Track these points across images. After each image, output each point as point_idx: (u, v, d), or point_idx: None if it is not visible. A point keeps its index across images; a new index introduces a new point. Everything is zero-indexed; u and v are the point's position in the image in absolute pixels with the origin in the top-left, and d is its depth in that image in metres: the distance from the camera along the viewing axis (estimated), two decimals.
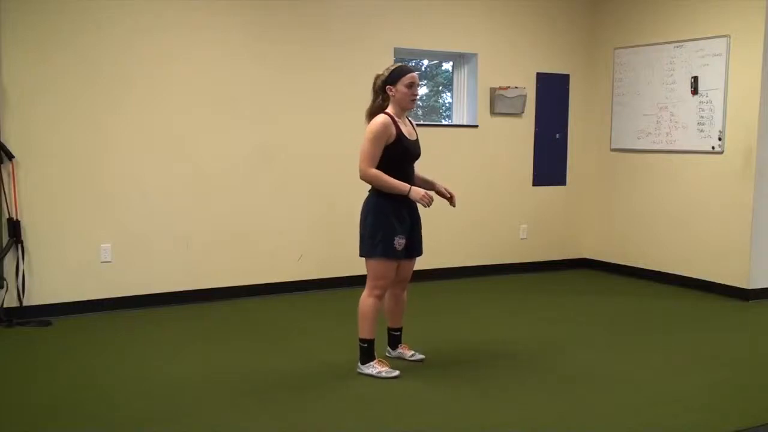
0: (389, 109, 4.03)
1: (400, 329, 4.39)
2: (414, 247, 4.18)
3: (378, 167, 3.98)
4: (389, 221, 3.99)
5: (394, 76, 4.02)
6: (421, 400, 3.79)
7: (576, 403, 3.76)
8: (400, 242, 4.01)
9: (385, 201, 4.01)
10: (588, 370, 4.29)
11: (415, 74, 4.06)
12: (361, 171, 3.96)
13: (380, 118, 3.97)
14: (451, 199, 4.24)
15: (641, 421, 3.55)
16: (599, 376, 4.18)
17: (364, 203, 4.10)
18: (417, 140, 4.17)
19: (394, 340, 4.40)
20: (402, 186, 3.97)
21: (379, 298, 4.06)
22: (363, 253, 4.08)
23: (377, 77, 4.09)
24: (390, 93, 4.02)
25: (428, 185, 4.23)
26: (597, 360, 4.48)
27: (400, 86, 4.00)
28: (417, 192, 3.96)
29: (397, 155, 4.01)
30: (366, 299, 4.05)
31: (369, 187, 4.08)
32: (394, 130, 3.96)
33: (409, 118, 4.22)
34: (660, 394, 3.89)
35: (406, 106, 4.05)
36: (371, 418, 3.55)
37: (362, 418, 3.55)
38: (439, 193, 4.24)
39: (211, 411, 3.60)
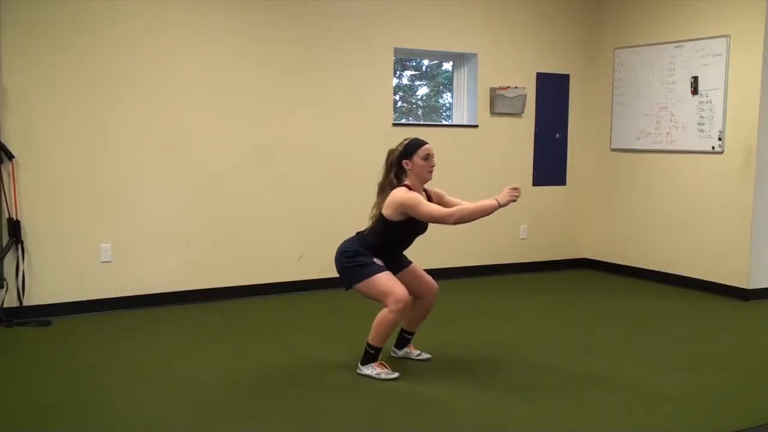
0: (408, 182, 4.05)
1: (413, 333, 4.40)
2: (399, 264, 4.20)
3: (381, 228, 4.02)
4: (366, 256, 4.03)
5: (409, 150, 4.04)
6: (421, 400, 3.79)
7: (576, 403, 3.76)
8: (378, 261, 4.04)
9: (366, 252, 4.03)
10: (588, 370, 4.29)
11: (430, 146, 4.08)
12: (445, 221, 3.88)
13: (403, 191, 3.97)
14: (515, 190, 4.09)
15: (641, 421, 3.55)
16: (599, 376, 4.17)
17: (339, 248, 4.11)
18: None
19: (404, 342, 4.41)
20: (489, 205, 3.91)
21: (401, 313, 3.99)
22: (347, 284, 4.07)
23: (391, 152, 4.10)
24: (407, 167, 4.04)
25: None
26: (597, 360, 4.48)
27: (417, 159, 4.03)
28: (503, 197, 3.92)
29: (406, 230, 4.06)
30: (387, 314, 3.97)
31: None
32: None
33: (427, 191, 4.20)
34: (660, 394, 3.89)
35: (425, 177, 4.08)
36: (371, 419, 3.55)
37: (362, 418, 3.55)
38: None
39: (211, 411, 3.60)
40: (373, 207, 4.11)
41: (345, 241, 4.14)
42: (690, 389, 3.98)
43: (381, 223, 4.04)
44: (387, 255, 4.11)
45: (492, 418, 3.56)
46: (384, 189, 4.08)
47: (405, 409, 3.66)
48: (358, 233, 4.16)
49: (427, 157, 4.05)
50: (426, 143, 4.09)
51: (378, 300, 4.01)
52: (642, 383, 4.05)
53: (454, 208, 3.95)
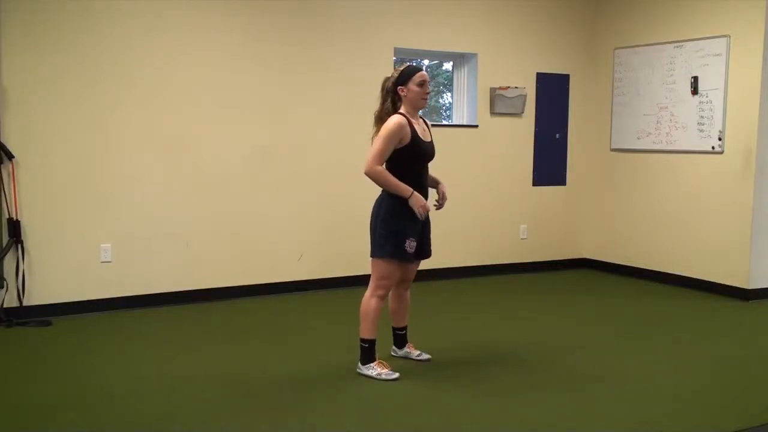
0: (402, 110, 4.05)
1: (404, 328, 4.40)
2: (423, 249, 4.20)
3: (391, 166, 4.00)
4: (402, 223, 4.00)
5: (404, 76, 4.04)
6: (421, 400, 3.79)
7: (576, 403, 3.76)
8: (411, 245, 4.02)
9: (398, 202, 4.01)
10: (588, 370, 4.29)
11: (425, 73, 4.08)
12: (366, 165, 3.94)
13: (396, 118, 3.97)
14: (439, 202, 4.19)
15: (641, 421, 3.55)
16: (599, 376, 4.18)
17: (377, 201, 4.09)
18: (431, 141, 4.18)
19: (400, 340, 4.41)
20: (404, 189, 3.96)
21: (382, 298, 4.06)
22: (374, 253, 4.06)
23: (386, 79, 4.11)
24: (402, 93, 4.04)
25: (434, 183, 4.23)
26: (597, 360, 4.48)
27: (412, 85, 4.02)
28: (417, 200, 3.96)
29: (412, 156, 4.03)
30: (369, 299, 4.04)
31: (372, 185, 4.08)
32: (408, 131, 3.98)
33: (424, 119, 4.22)
34: (660, 394, 3.89)
35: (419, 104, 4.07)
36: (371, 419, 3.55)
37: (362, 418, 3.55)
38: (440, 194, 4.23)
39: (211, 411, 3.60)
40: (372, 137, 4.08)
41: (378, 199, 4.08)
42: (690, 389, 3.99)
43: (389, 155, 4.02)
44: (413, 187, 4.03)
45: (492, 418, 3.56)
46: (381, 118, 4.07)
47: (405, 410, 3.66)
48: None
49: (422, 84, 4.03)
50: (421, 69, 4.09)
51: (371, 274, 4.05)
52: (642, 383, 4.05)
53: (380, 168, 3.93)
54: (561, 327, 5.28)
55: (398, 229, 3.99)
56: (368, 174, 3.96)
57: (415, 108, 4.07)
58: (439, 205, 4.21)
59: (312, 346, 4.71)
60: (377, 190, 4.12)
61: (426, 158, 4.13)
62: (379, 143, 3.94)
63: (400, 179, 4.00)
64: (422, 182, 4.12)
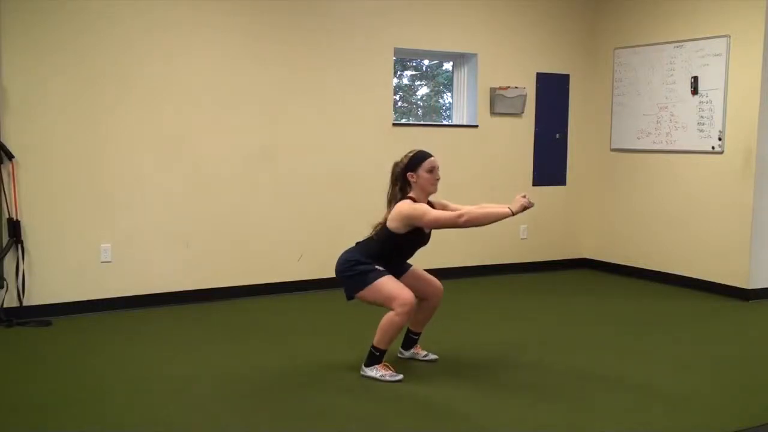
0: (412, 194, 4.05)
1: (419, 334, 4.40)
2: (401, 267, 4.19)
3: (384, 237, 4.01)
4: (367, 264, 4.01)
5: (414, 163, 4.04)
6: (421, 400, 3.79)
7: (576, 403, 3.76)
8: (380, 266, 4.01)
9: (367, 260, 4.01)
10: (588, 369, 4.29)
11: (435, 158, 4.09)
12: (455, 224, 3.92)
13: (407, 203, 3.97)
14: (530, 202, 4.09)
15: (641, 421, 3.55)
16: (599, 376, 4.18)
17: (339, 260, 4.09)
18: (430, 231, 4.15)
19: (410, 342, 4.41)
20: (503, 210, 3.95)
21: (407, 315, 3.97)
22: (350, 293, 4.06)
23: (396, 165, 4.10)
24: (412, 180, 4.04)
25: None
26: (597, 360, 4.48)
27: (422, 172, 4.03)
28: (517, 204, 3.94)
29: (408, 242, 4.04)
30: (393, 317, 3.96)
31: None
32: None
33: (431, 201, 4.18)
34: (660, 394, 3.89)
35: (429, 190, 4.07)
36: (371, 419, 3.55)
37: (363, 418, 3.55)
38: (529, 203, 4.10)
39: (211, 411, 3.60)
40: (385, 216, 4.08)
41: (345, 252, 4.12)
42: (690, 389, 3.98)
43: (385, 234, 4.03)
44: (391, 264, 4.09)
45: (493, 418, 3.56)
46: (390, 202, 4.09)
47: (406, 411, 3.65)
48: (357, 243, 4.15)
49: (432, 170, 4.05)
50: (431, 156, 4.08)
51: (383, 305, 3.99)
52: (642, 383, 4.05)
53: (464, 210, 3.95)
54: (561, 327, 5.28)
55: (366, 267, 4.00)
56: (464, 225, 3.92)
57: (425, 194, 4.08)
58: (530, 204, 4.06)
59: (312, 346, 4.71)
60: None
61: (420, 246, 4.15)
62: (430, 215, 3.90)
63: (385, 252, 4.01)
64: (402, 261, 4.18)
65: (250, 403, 3.71)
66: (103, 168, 5.44)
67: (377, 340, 4.03)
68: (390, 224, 4.00)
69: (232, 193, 5.90)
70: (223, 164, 5.85)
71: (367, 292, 3.99)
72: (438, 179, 4.08)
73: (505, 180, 7.08)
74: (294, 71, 6.05)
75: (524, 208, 3.94)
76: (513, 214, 3.94)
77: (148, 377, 4.08)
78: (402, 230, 3.99)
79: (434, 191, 4.11)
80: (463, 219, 3.90)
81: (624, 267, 7.14)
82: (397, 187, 4.07)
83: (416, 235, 4.04)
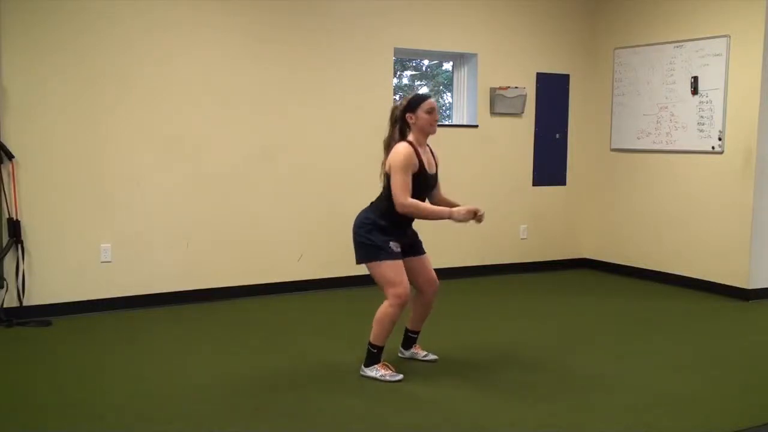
0: (410, 137, 4.04)
1: (418, 332, 4.40)
2: (414, 247, 4.18)
3: (389, 193, 3.98)
4: (386, 237, 3.99)
5: (413, 104, 4.03)
6: (422, 400, 3.79)
7: (576, 403, 3.76)
8: (395, 245, 4.00)
9: (386, 222, 4.00)
10: (588, 370, 4.29)
11: (434, 100, 4.08)
12: (399, 204, 3.91)
13: (403, 147, 3.96)
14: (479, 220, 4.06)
15: (641, 421, 3.55)
16: (599, 376, 4.18)
17: (357, 218, 4.08)
18: (436, 172, 4.16)
19: (409, 342, 4.40)
20: (442, 212, 3.96)
21: (400, 307, 3.98)
22: (359, 259, 4.06)
23: (395, 107, 4.11)
24: (410, 121, 4.03)
25: (452, 205, 4.15)
26: (597, 360, 4.48)
27: (421, 113, 4.02)
28: (459, 212, 3.92)
29: (413, 187, 3.99)
30: (386, 308, 3.98)
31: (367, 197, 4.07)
32: (416, 161, 3.97)
33: (431, 148, 4.20)
34: (660, 394, 3.89)
35: (428, 131, 4.07)
36: (371, 419, 3.55)
37: (363, 419, 3.55)
38: (479, 219, 4.05)
39: (211, 411, 3.60)
40: (382, 164, 4.08)
41: (361, 212, 4.10)
42: (690, 389, 3.99)
43: (387, 181, 4.01)
44: (405, 217, 4.04)
45: (493, 418, 3.56)
46: (389, 145, 4.07)
47: (406, 411, 3.65)
48: (371, 202, 4.13)
49: (431, 111, 4.03)
50: (430, 97, 4.09)
51: (380, 286, 4.02)
52: (642, 383, 4.05)
53: (413, 201, 3.92)
54: (561, 327, 5.28)
55: (383, 239, 3.98)
56: (403, 211, 3.94)
57: (424, 135, 4.07)
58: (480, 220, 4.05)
59: (312, 346, 4.71)
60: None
61: (427, 191, 4.12)
62: (399, 177, 3.91)
63: (392, 205, 3.98)
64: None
65: (250, 403, 3.71)
66: (103, 168, 5.44)
67: (373, 335, 4.03)
68: (387, 168, 4.01)
69: (232, 193, 5.90)
70: (224, 164, 5.85)
71: (371, 267, 4.01)
72: (436, 120, 4.07)
73: (505, 180, 7.08)
74: (294, 71, 6.05)
75: (462, 221, 3.94)
76: (452, 218, 3.93)
77: (148, 377, 4.08)
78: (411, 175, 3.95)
79: (433, 132, 4.10)
80: (404, 209, 3.91)
81: (624, 267, 7.14)
82: (396, 129, 4.07)
83: (417, 179, 3.98)
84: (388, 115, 4.14)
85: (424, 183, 4.05)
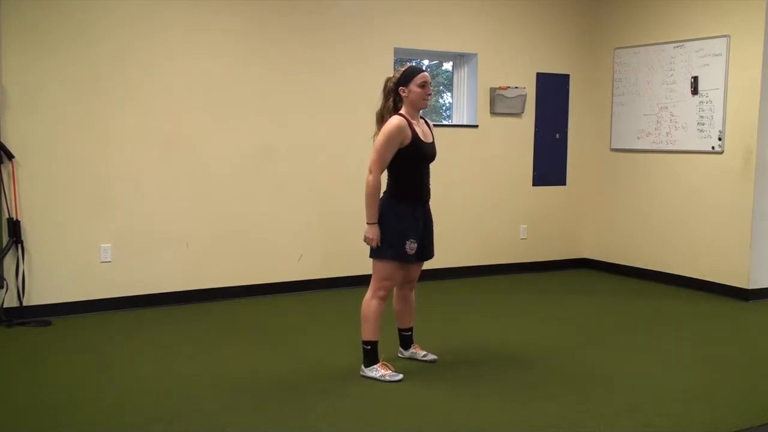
0: (403, 110, 4.03)
1: (410, 329, 4.39)
2: (425, 250, 4.20)
3: (393, 168, 4.00)
4: (402, 224, 4.00)
5: (406, 77, 4.02)
6: (422, 400, 3.79)
7: (576, 403, 3.76)
8: (411, 246, 4.01)
9: (401, 202, 4.01)
10: (588, 370, 4.29)
11: (427, 74, 4.07)
12: (370, 173, 3.95)
13: (395, 120, 3.96)
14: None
15: (641, 421, 3.55)
16: (599, 376, 4.18)
17: (379, 201, 4.05)
18: (433, 142, 4.16)
19: (406, 341, 4.40)
20: (371, 216, 3.96)
21: (383, 299, 4.04)
22: (373, 254, 4.06)
23: (388, 79, 4.10)
24: (403, 94, 4.02)
25: None
26: (597, 360, 4.48)
27: (413, 86, 4.00)
28: (370, 231, 3.95)
29: (412, 158, 4.01)
30: (369, 301, 4.03)
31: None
32: (409, 133, 3.96)
33: (425, 119, 4.21)
34: (660, 394, 3.89)
35: (420, 105, 4.05)
36: (372, 419, 3.55)
37: (363, 419, 3.55)
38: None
39: (212, 411, 3.60)
40: (374, 135, 4.07)
41: (381, 200, 4.05)
42: (690, 389, 3.99)
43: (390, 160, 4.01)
44: (414, 190, 4.05)
45: (493, 419, 3.56)
46: (382, 117, 4.06)
47: (406, 411, 3.65)
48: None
49: (424, 84, 4.01)
50: (423, 70, 4.08)
51: (372, 275, 4.05)
52: (642, 383, 4.05)
53: (375, 181, 3.93)
54: (561, 327, 5.28)
55: (399, 229, 3.99)
56: (367, 184, 3.95)
57: (416, 109, 4.06)
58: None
59: (312, 346, 4.71)
60: None
61: (427, 159, 4.12)
62: (379, 150, 3.94)
63: (401, 181, 4.01)
64: (423, 183, 4.13)
65: (249, 403, 3.71)
66: (103, 168, 5.44)
67: (363, 332, 4.05)
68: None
69: (232, 193, 5.90)
70: (223, 164, 5.85)
71: (374, 260, 4.03)
72: (429, 94, 4.06)
73: (505, 180, 7.08)
74: (294, 71, 6.05)
75: (365, 240, 3.98)
76: (367, 222, 3.98)
77: (147, 377, 4.08)
78: (393, 152, 3.96)
79: (425, 107, 4.09)
80: (367, 180, 3.93)
81: (624, 267, 7.14)
82: (390, 102, 4.05)
83: (414, 150, 3.98)
84: (381, 87, 4.12)
85: (421, 153, 4.04)
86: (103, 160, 5.43)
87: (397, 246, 3.98)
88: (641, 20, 6.89)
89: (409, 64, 4.15)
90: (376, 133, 4.05)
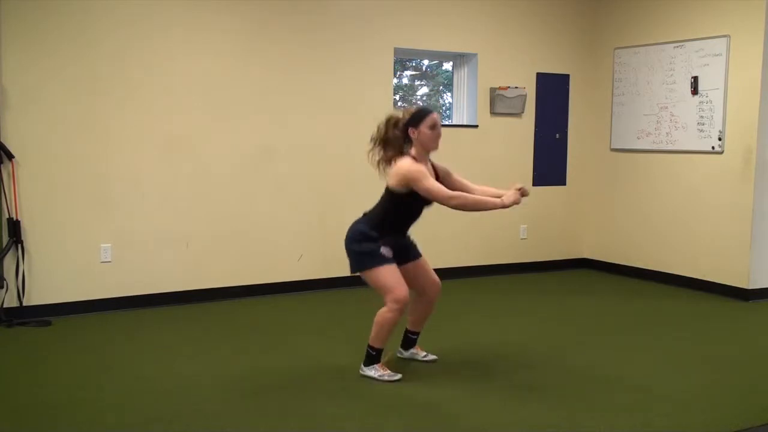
0: (413, 152, 3.96)
1: (418, 333, 4.38)
2: (408, 251, 4.14)
3: (387, 202, 3.96)
4: (373, 242, 3.94)
5: (416, 119, 3.94)
6: (422, 400, 3.79)
7: (576, 403, 3.76)
8: (386, 249, 3.95)
9: (374, 233, 3.94)
10: (588, 370, 4.29)
11: (437, 115, 3.99)
12: (445, 199, 3.82)
13: (408, 161, 3.87)
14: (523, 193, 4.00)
15: (641, 421, 3.55)
16: (599, 376, 4.18)
17: (349, 231, 4.01)
18: None
19: (409, 343, 4.39)
20: (493, 203, 3.85)
21: (399, 312, 3.93)
22: (354, 268, 4.02)
23: (390, 117, 4.01)
24: (412, 136, 3.94)
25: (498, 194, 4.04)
26: (597, 360, 4.48)
27: (424, 128, 3.92)
28: (509, 198, 3.84)
29: (412, 202, 3.95)
30: (385, 313, 3.94)
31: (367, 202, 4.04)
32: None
33: (432, 162, 4.11)
34: (660, 394, 3.89)
35: (430, 147, 3.98)
36: (372, 419, 3.55)
37: (362, 418, 3.55)
38: (524, 192, 4.02)
39: (212, 411, 3.60)
40: (385, 174, 3.98)
41: (354, 223, 4.03)
42: (690, 389, 3.99)
43: (386, 194, 3.97)
44: (395, 229, 4.01)
45: (493, 419, 3.56)
46: (388, 159, 3.97)
47: (405, 411, 3.65)
48: (364, 213, 4.07)
49: (434, 126, 3.93)
50: (433, 112, 3.99)
51: (378, 293, 3.98)
52: (642, 383, 4.05)
53: (457, 192, 3.88)
54: (561, 327, 5.28)
55: (370, 243, 3.93)
56: (454, 205, 3.85)
57: (426, 151, 3.99)
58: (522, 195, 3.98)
59: (312, 346, 4.71)
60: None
61: (425, 206, 4.04)
62: (424, 184, 3.81)
63: (389, 217, 3.95)
64: (410, 223, 4.08)
65: (249, 403, 3.71)
66: (103, 168, 5.44)
67: (372, 337, 4.02)
68: (390, 181, 3.92)
69: (232, 193, 5.90)
70: (223, 164, 5.85)
71: (367, 275, 3.96)
72: (439, 136, 3.97)
73: (505, 180, 7.05)
74: (294, 71, 6.05)
75: (515, 203, 3.85)
76: (504, 206, 3.85)
77: (147, 377, 4.08)
78: (401, 190, 3.89)
79: (435, 148, 4.00)
80: (453, 202, 3.83)
81: (624, 267, 7.14)
82: (397, 144, 3.93)
83: (417, 198, 3.91)
84: (383, 127, 4.01)
85: (423, 201, 3.97)
86: (103, 160, 5.43)
87: (375, 254, 3.91)
88: (641, 20, 6.89)
89: (417, 106, 4.06)
90: (384, 173, 3.96)
